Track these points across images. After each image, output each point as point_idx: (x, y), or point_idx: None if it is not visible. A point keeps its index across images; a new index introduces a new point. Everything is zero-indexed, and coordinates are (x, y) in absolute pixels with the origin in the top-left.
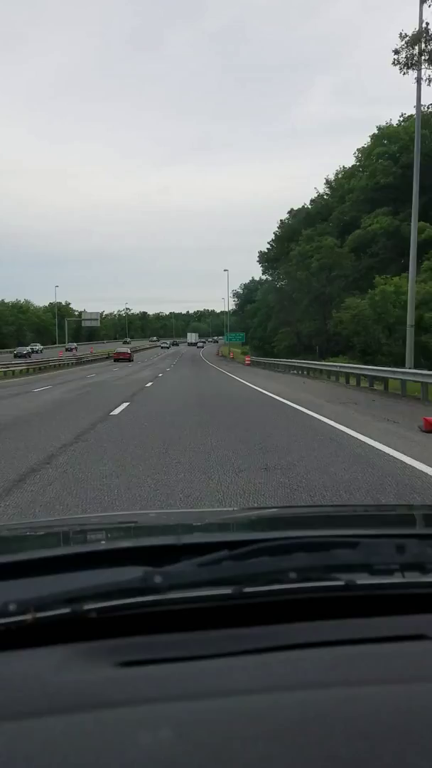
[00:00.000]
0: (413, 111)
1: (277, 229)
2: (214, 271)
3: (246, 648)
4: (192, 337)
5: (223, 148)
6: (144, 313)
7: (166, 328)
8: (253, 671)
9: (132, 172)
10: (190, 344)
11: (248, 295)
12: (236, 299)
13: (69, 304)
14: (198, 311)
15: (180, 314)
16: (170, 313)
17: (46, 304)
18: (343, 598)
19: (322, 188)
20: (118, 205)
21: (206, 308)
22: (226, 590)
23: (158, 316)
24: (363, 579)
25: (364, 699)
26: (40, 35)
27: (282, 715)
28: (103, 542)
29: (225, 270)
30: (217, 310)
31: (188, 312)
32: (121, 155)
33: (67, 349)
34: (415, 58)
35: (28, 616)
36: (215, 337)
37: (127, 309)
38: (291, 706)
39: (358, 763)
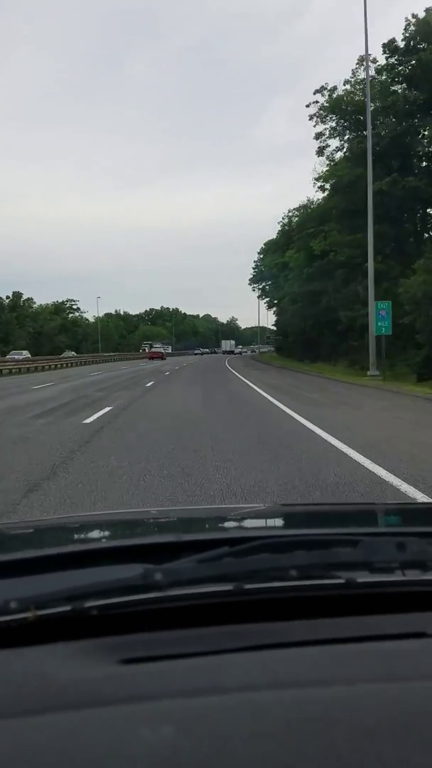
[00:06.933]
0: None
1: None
2: (187, 290)
3: (246, 645)
4: (227, 344)
5: (188, 168)
6: (25, 299)
7: (89, 335)
8: (253, 668)
9: (95, 193)
10: (225, 352)
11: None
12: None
13: None
14: (152, 309)
15: (129, 315)
16: (106, 314)
17: None
18: (343, 596)
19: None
20: (83, 226)
21: (175, 307)
22: (227, 587)
23: (63, 307)
24: (363, 577)
25: (364, 696)
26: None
27: (282, 712)
28: (103, 540)
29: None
30: (200, 314)
31: (138, 313)
32: (85, 176)
33: None
34: None
35: (29, 614)
36: (253, 346)
37: None
38: (291, 704)
39: (358, 760)
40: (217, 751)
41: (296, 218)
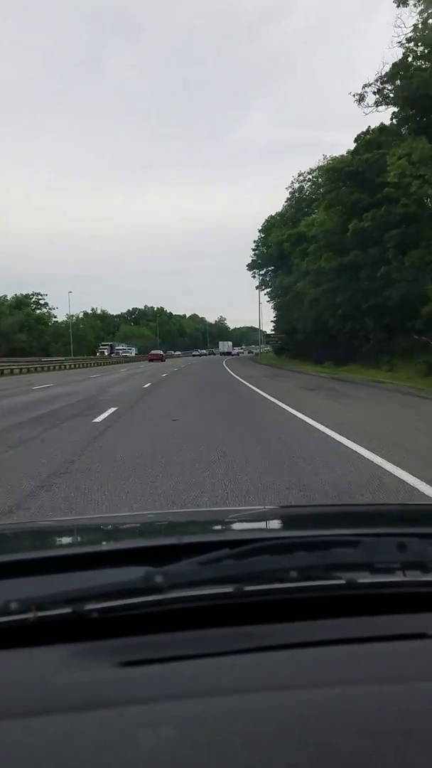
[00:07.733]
0: None
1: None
2: (173, 290)
3: (247, 647)
4: (224, 346)
5: (172, 168)
6: None
7: (61, 335)
8: (254, 670)
9: (74, 193)
10: (223, 353)
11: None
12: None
13: None
14: (134, 309)
15: (108, 315)
16: (84, 313)
17: None
18: (344, 597)
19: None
20: (59, 228)
21: (160, 306)
22: (227, 589)
23: (27, 302)
24: (364, 578)
25: (365, 697)
26: None
27: (283, 714)
28: (104, 542)
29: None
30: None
31: (120, 313)
32: (64, 174)
33: None
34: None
35: (29, 615)
36: (249, 347)
37: None
38: (292, 705)
39: (358, 761)
40: (219, 754)
41: (309, 183)
